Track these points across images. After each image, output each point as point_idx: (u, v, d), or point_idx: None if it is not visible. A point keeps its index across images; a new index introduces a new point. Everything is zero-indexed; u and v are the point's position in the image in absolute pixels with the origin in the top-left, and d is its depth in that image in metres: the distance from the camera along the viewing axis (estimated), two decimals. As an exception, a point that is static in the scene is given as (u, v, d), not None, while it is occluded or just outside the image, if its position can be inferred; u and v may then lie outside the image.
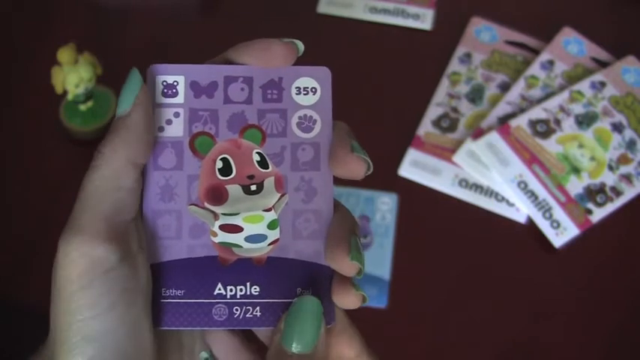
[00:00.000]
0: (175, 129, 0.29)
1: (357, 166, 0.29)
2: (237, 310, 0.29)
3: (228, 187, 0.29)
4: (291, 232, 0.29)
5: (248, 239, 0.29)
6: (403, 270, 0.56)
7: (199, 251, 0.29)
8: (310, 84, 0.30)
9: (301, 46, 0.30)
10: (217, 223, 0.29)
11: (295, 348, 0.27)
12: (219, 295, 0.29)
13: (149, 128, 0.28)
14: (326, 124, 0.30)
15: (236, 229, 0.29)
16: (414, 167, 0.61)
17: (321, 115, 0.30)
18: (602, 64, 0.66)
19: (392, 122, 0.63)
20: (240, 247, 0.29)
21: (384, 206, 0.59)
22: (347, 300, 0.29)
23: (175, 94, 0.29)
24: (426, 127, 0.63)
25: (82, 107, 0.61)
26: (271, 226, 0.29)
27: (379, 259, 0.57)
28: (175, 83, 0.29)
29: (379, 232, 0.58)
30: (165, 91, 0.29)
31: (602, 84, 0.64)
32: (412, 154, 0.61)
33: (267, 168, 0.29)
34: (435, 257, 0.57)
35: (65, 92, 0.59)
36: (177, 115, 0.29)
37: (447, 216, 0.59)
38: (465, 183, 0.60)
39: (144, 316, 0.27)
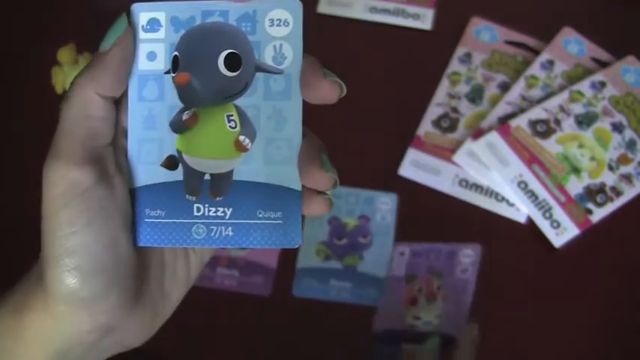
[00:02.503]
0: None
1: (330, 90, 0.30)
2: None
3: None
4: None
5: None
6: (403, 270, 0.56)
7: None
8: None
9: None
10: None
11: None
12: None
13: (123, 67, 0.31)
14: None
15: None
16: (414, 167, 0.61)
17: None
18: (602, 64, 0.66)
19: (392, 122, 0.63)
20: None
21: (384, 206, 0.59)
22: (317, 208, 0.31)
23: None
24: (426, 127, 0.63)
25: (82, 107, 0.61)
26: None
27: (379, 259, 0.57)
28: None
29: (379, 232, 0.58)
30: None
31: (602, 84, 0.64)
32: (412, 154, 0.61)
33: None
34: (435, 257, 0.57)
35: (65, 92, 0.59)
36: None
37: (447, 216, 0.59)
38: (465, 183, 0.60)
39: (121, 232, 0.30)
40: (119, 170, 0.31)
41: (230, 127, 0.31)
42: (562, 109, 0.62)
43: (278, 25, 0.31)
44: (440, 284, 0.56)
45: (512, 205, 0.59)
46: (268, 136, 0.31)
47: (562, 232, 0.58)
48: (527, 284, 0.56)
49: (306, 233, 0.58)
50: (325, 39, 0.69)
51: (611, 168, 0.60)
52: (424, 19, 0.70)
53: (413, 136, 0.62)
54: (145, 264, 0.32)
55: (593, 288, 0.56)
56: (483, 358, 0.53)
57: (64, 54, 0.57)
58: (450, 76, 0.66)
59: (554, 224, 0.58)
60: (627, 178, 0.60)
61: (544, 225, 0.58)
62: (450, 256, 0.57)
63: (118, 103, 0.31)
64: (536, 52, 0.67)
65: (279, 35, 0.31)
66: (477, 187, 0.60)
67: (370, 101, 0.64)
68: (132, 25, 0.32)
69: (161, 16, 0.32)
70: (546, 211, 0.58)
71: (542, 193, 0.59)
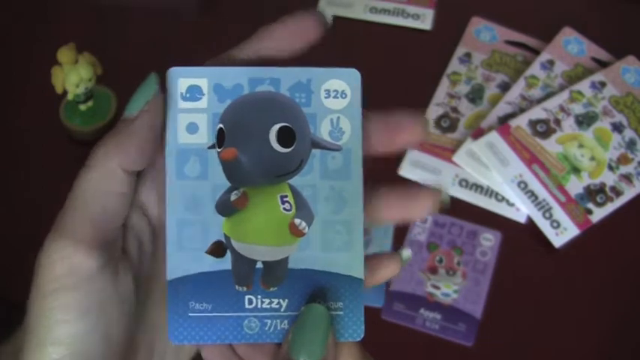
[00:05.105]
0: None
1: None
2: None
3: None
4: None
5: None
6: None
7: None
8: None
9: (329, 16, 0.28)
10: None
11: (303, 358, 0.26)
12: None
13: (151, 137, 0.27)
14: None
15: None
16: (414, 167, 0.61)
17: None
18: (602, 64, 0.66)
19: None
20: None
21: (384, 206, 0.59)
22: (387, 271, 0.29)
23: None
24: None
25: (82, 107, 0.61)
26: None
27: (379, 259, 0.57)
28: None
29: (378, 233, 0.58)
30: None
31: (602, 84, 0.64)
32: (412, 154, 0.61)
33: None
34: (435, 257, 0.57)
35: (65, 92, 0.59)
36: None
37: (447, 216, 0.59)
38: (465, 183, 0.60)
39: (118, 324, 0.27)
40: (125, 255, 0.28)
41: (284, 209, 0.28)
42: (562, 109, 0.62)
43: (335, 96, 0.28)
44: (460, 260, 0.57)
45: (512, 205, 0.59)
46: (326, 220, 0.28)
47: (562, 232, 0.58)
48: (527, 284, 0.56)
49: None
50: (325, 39, 0.69)
51: (611, 168, 0.60)
52: (424, 19, 0.70)
53: (413, 136, 0.62)
54: (133, 352, 0.28)
55: (593, 288, 0.56)
56: (483, 358, 0.53)
57: (64, 54, 0.57)
58: (450, 76, 0.66)
59: (554, 224, 0.58)
60: (627, 178, 0.60)
61: (544, 225, 0.58)
62: (471, 235, 0.57)
63: (139, 176, 0.28)
64: (536, 52, 0.67)
65: (336, 108, 0.28)
66: (477, 187, 0.60)
67: (370, 101, 0.64)
68: (169, 92, 0.28)
69: (203, 83, 0.28)
70: (546, 211, 0.58)
71: (542, 193, 0.59)
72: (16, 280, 0.55)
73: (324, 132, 0.28)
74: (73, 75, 0.58)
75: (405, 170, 0.61)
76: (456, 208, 0.59)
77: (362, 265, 0.29)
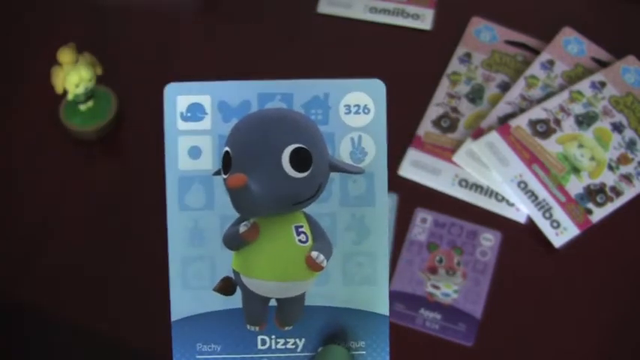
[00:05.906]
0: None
1: None
2: None
3: None
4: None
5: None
6: (403, 270, 0.56)
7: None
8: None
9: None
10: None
11: None
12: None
13: None
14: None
15: None
16: (414, 167, 0.61)
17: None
18: (602, 64, 0.66)
19: (392, 122, 0.63)
20: None
21: (384, 206, 0.59)
22: None
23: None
24: (426, 127, 0.63)
25: (82, 107, 0.61)
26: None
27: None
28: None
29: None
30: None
31: (602, 84, 0.64)
32: (412, 154, 0.61)
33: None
34: (435, 257, 0.57)
35: (65, 92, 0.59)
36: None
37: (447, 216, 0.59)
38: (465, 183, 0.60)
39: None
40: None
41: (300, 241, 0.25)
42: (562, 109, 0.62)
43: (356, 112, 0.25)
44: (460, 260, 0.56)
45: (512, 205, 0.59)
46: (347, 251, 0.26)
47: (562, 232, 0.58)
48: (527, 284, 0.56)
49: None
50: (325, 39, 0.69)
51: (611, 168, 0.60)
52: (424, 19, 0.70)
53: (413, 136, 0.62)
54: None
55: (593, 288, 0.56)
56: (483, 358, 0.53)
57: (64, 54, 0.57)
58: (450, 76, 0.66)
59: (554, 224, 0.58)
60: (627, 178, 0.60)
61: (544, 225, 0.58)
62: (471, 235, 0.57)
63: None
64: (536, 52, 0.67)
65: (358, 125, 0.26)
66: (477, 187, 0.60)
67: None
68: (166, 111, 0.25)
69: (205, 101, 0.25)
70: (546, 211, 0.58)
71: (542, 193, 0.59)
72: (16, 281, 0.55)
73: (343, 153, 0.25)
74: (73, 75, 0.58)
75: (405, 170, 0.61)
76: (456, 208, 0.59)
77: (387, 300, 0.26)
